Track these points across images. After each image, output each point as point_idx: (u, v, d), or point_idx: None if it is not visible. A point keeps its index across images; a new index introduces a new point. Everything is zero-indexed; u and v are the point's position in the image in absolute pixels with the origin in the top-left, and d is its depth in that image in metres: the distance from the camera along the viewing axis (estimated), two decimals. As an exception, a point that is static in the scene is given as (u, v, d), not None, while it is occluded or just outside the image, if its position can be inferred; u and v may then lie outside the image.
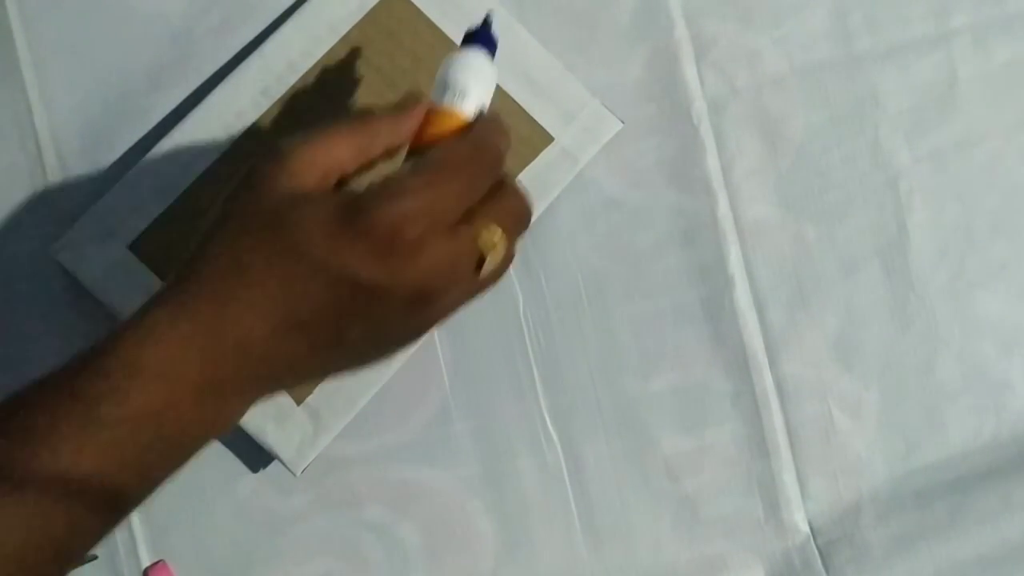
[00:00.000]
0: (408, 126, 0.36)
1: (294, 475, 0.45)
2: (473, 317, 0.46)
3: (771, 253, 0.50)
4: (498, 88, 0.46)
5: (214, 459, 0.46)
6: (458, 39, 0.46)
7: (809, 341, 0.50)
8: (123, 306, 0.44)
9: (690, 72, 0.50)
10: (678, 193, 0.49)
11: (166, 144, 0.45)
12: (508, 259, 0.34)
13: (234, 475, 0.47)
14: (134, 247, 0.45)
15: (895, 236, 0.50)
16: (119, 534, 0.47)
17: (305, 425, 0.45)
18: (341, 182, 0.35)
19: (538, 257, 0.48)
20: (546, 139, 0.47)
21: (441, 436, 0.48)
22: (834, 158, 0.50)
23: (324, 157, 0.33)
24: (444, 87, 0.36)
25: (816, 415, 0.49)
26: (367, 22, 0.46)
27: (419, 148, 0.36)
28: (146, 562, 0.47)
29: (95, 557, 0.46)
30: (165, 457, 0.32)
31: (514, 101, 0.47)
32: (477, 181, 0.33)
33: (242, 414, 0.33)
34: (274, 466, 0.46)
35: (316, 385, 0.45)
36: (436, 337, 0.48)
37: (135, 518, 0.47)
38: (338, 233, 0.30)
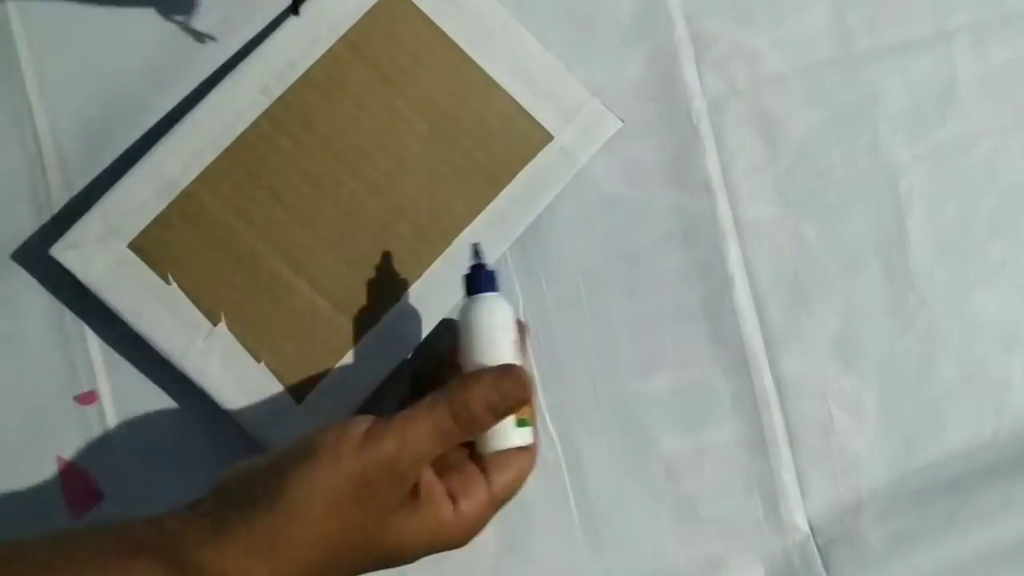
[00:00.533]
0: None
1: None
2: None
3: (771, 252, 0.50)
4: (498, 86, 0.46)
5: (215, 460, 0.46)
6: (459, 38, 0.46)
7: (809, 341, 0.50)
8: (123, 304, 0.44)
9: (690, 72, 0.50)
10: (678, 193, 0.49)
11: (167, 143, 0.45)
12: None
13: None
14: (134, 246, 0.45)
15: (895, 236, 0.50)
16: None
17: (304, 423, 0.45)
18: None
19: (538, 257, 0.48)
20: (546, 137, 0.47)
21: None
22: (834, 158, 0.50)
23: (419, 458, 0.36)
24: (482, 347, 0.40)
25: (816, 415, 0.49)
26: (367, 21, 0.46)
27: None
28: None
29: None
30: None
31: (513, 99, 0.47)
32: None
33: None
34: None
35: (316, 383, 0.45)
36: (436, 337, 0.48)
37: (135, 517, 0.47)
38: (425, 552, 0.37)
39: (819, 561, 0.49)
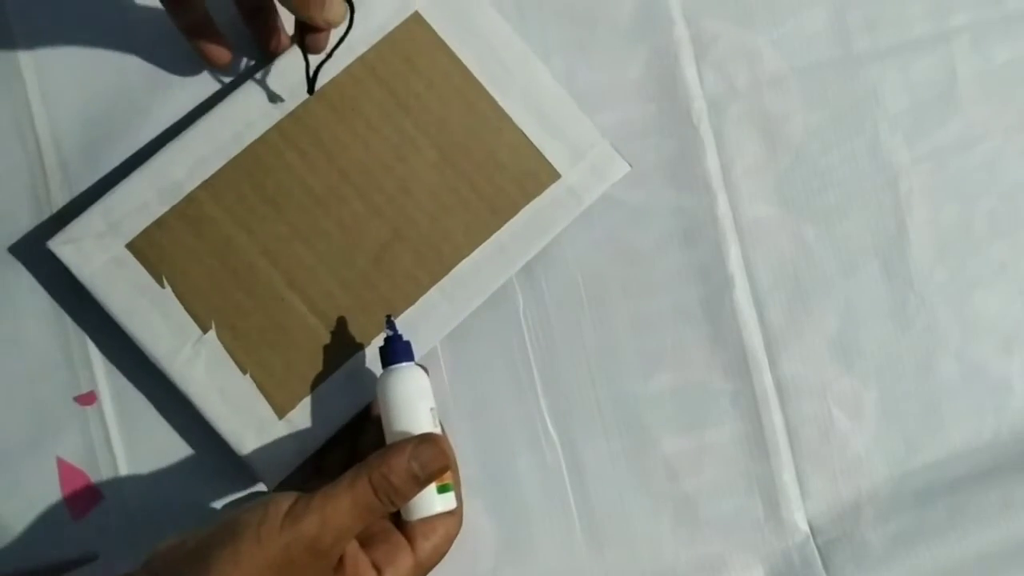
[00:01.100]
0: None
1: (267, 488, 0.45)
2: (473, 318, 0.46)
3: (771, 253, 0.50)
4: (510, 120, 0.46)
5: (214, 459, 0.46)
6: (475, 68, 0.46)
7: (809, 341, 0.50)
8: (116, 303, 0.44)
9: (690, 72, 0.50)
10: (678, 193, 0.49)
11: (174, 146, 0.45)
12: None
13: (234, 475, 0.47)
14: (132, 246, 0.45)
15: (895, 236, 0.50)
16: (119, 533, 0.47)
17: (284, 438, 0.45)
18: None
19: (538, 257, 0.48)
20: (553, 175, 0.47)
21: (441, 436, 0.48)
22: (834, 158, 0.50)
23: (340, 537, 0.37)
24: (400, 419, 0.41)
25: (816, 415, 0.49)
26: (385, 44, 0.46)
27: None
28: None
29: (96, 556, 0.46)
30: None
31: (524, 134, 0.47)
32: None
33: None
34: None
35: (299, 400, 0.45)
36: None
37: (135, 518, 0.47)
38: None
39: (819, 561, 0.49)
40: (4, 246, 0.46)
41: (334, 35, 0.44)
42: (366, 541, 0.39)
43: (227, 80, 0.48)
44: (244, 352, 0.45)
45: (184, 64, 0.47)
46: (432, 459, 0.38)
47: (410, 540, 0.40)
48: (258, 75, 0.46)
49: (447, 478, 0.40)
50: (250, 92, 0.45)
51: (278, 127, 0.46)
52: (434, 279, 0.46)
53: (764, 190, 0.50)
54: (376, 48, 0.46)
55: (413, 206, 0.46)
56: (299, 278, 0.45)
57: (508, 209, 0.46)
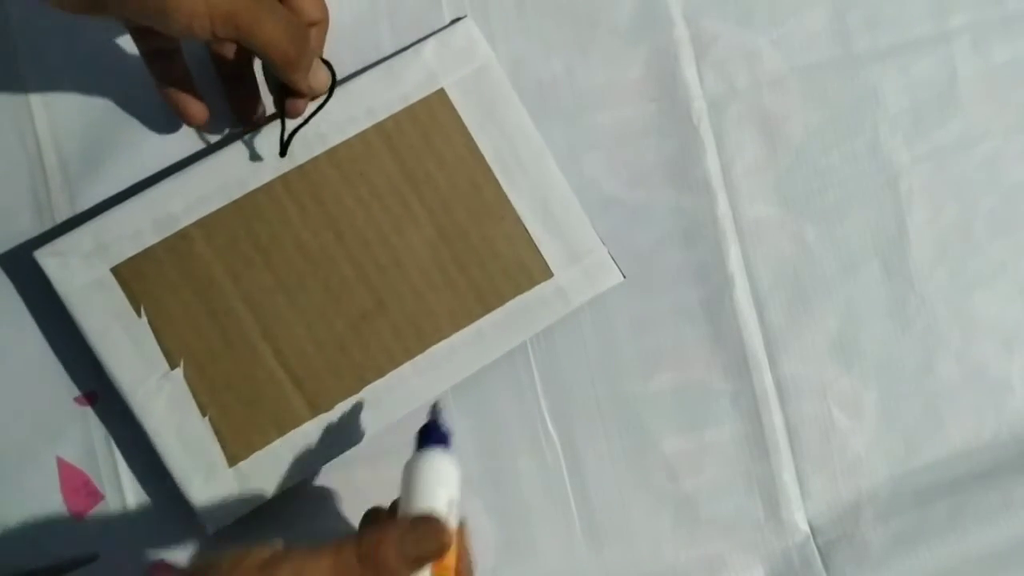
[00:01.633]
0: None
1: (206, 533, 0.45)
2: (473, 317, 0.46)
3: (771, 253, 0.50)
4: (513, 211, 0.46)
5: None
6: (489, 155, 0.46)
7: (809, 341, 0.50)
8: (90, 324, 0.44)
9: (690, 72, 0.50)
10: (678, 193, 0.49)
11: (177, 179, 0.45)
12: None
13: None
14: (117, 271, 0.44)
15: (895, 236, 0.50)
16: (120, 533, 0.47)
17: (231, 487, 0.45)
18: None
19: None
20: (545, 273, 0.47)
21: (441, 436, 0.48)
22: (834, 158, 0.50)
23: None
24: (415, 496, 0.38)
25: (816, 415, 0.49)
26: (405, 115, 0.46)
27: None
28: (147, 562, 0.47)
29: (96, 557, 0.46)
30: None
31: (525, 228, 0.47)
32: None
33: None
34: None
35: (252, 451, 0.45)
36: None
37: (136, 518, 0.47)
38: None
39: (819, 561, 0.49)
40: (4, 247, 0.47)
41: (313, 102, 0.44)
42: None
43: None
44: (208, 394, 0.45)
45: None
46: (429, 539, 0.35)
47: None
48: (275, 123, 0.45)
49: (447, 572, 0.37)
50: (264, 138, 0.45)
51: (283, 178, 0.45)
52: (409, 355, 0.46)
53: (764, 190, 0.50)
54: (395, 117, 0.46)
55: (401, 280, 0.46)
56: (275, 331, 0.45)
57: (494, 299, 0.46)
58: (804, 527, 0.49)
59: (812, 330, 0.50)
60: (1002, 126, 0.51)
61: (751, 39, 0.50)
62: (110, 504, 0.46)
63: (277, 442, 0.45)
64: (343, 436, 0.45)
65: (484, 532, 0.48)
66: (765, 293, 0.49)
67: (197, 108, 0.45)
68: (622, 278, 0.47)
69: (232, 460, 0.45)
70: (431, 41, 0.47)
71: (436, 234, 0.46)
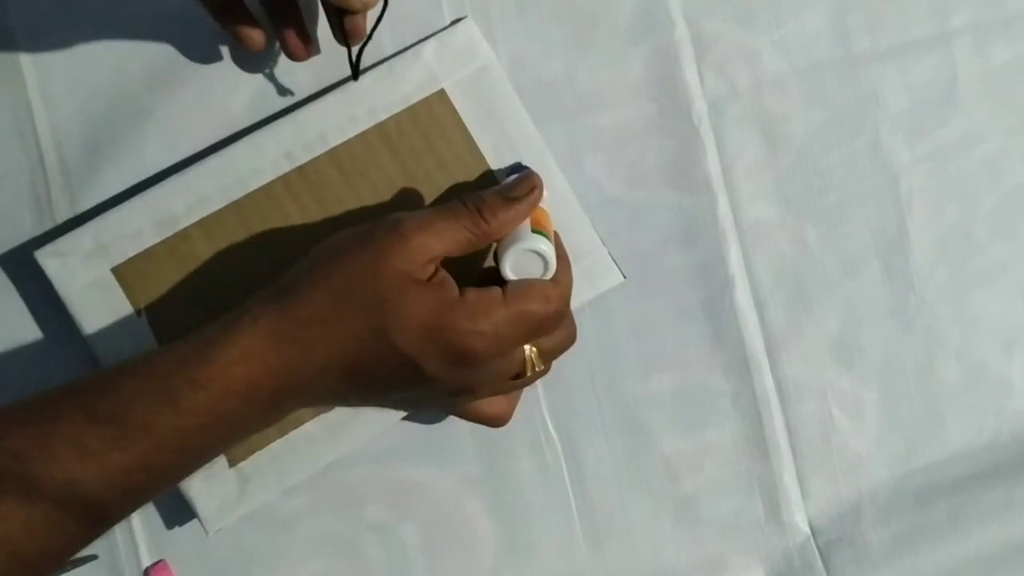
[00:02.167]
0: (515, 226, 0.42)
1: (206, 534, 0.45)
2: (473, 317, 0.46)
3: (771, 253, 0.50)
4: None
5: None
6: (490, 156, 0.46)
7: (809, 341, 0.50)
8: (90, 324, 0.44)
9: (690, 72, 0.50)
10: (678, 193, 0.49)
11: (178, 179, 0.45)
12: (542, 374, 0.42)
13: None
14: (117, 271, 0.44)
15: (895, 236, 0.50)
16: (120, 534, 0.47)
17: (231, 488, 0.44)
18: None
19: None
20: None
21: (441, 436, 0.48)
22: (834, 158, 0.50)
23: (439, 247, 0.39)
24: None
25: (816, 415, 0.49)
26: (406, 115, 0.46)
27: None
28: (147, 562, 0.47)
29: (95, 557, 0.46)
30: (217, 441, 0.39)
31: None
32: (547, 330, 0.41)
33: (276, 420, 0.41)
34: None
35: (252, 451, 0.45)
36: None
37: (136, 518, 0.47)
38: (427, 338, 0.38)
39: (820, 562, 0.49)
40: (4, 247, 0.47)
41: (370, 19, 0.43)
42: None
43: (229, 77, 0.47)
44: None
45: (185, 64, 0.47)
46: (523, 181, 0.42)
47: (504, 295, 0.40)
48: (275, 124, 0.45)
49: (545, 225, 0.42)
50: (264, 140, 0.45)
51: (284, 178, 0.45)
52: None
53: (764, 190, 0.50)
54: (396, 118, 0.46)
55: None
56: None
57: None
58: (804, 527, 0.49)
59: (812, 330, 0.50)
60: (1002, 126, 0.51)
61: (752, 40, 0.50)
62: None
63: (277, 442, 0.45)
64: (343, 436, 0.45)
65: (484, 532, 0.48)
66: (765, 293, 0.49)
67: (255, 32, 0.44)
68: (622, 278, 0.47)
69: (232, 460, 0.45)
70: (432, 41, 0.47)
71: None
